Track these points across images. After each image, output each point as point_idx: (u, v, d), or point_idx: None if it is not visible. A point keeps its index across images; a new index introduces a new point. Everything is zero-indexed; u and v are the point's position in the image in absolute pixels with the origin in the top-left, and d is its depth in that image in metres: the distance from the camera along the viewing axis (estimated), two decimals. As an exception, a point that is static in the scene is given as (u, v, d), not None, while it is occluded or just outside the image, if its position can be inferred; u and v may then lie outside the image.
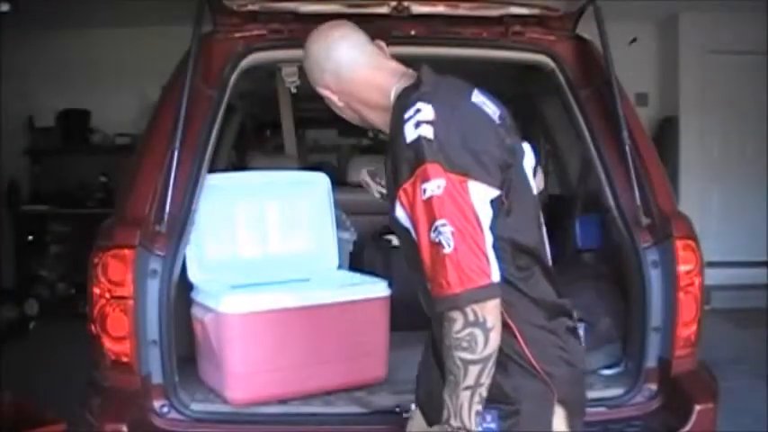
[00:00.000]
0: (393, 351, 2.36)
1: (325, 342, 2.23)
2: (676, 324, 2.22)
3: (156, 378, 2.12)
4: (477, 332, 1.41)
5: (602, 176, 2.42)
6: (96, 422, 2.09)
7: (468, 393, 1.42)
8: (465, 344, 1.41)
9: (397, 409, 2.05)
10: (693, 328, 2.25)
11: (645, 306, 2.24)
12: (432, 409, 1.63)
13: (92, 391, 2.20)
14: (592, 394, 2.26)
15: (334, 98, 1.65)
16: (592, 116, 2.49)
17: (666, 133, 6.80)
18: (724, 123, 6.90)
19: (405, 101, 1.53)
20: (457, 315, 1.41)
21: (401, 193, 1.46)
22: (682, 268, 2.22)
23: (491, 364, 1.43)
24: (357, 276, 2.55)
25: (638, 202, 2.30)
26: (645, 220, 2.29)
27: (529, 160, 1.69)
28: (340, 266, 2.66)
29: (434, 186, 1.41)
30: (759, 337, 5.05)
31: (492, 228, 1.47)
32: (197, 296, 2.30)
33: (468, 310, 1.40)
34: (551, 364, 1.56)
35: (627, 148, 2.34)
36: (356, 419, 2.12)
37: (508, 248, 1.52)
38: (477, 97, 1.59)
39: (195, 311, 2.29)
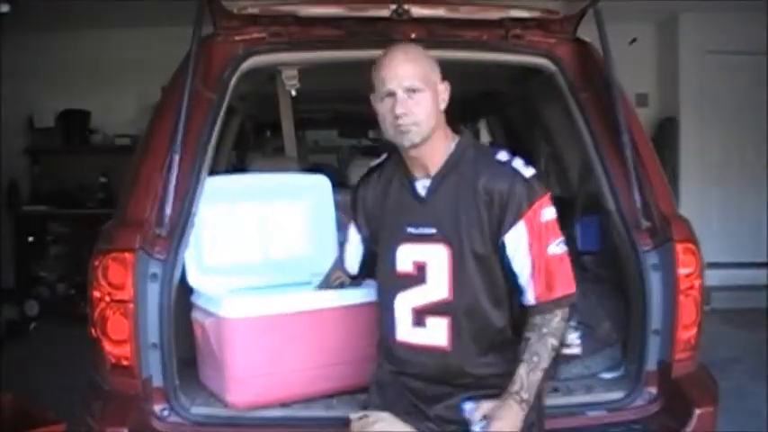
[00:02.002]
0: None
1: (327, 345, 2.23)
2: (676, 327, 2.21)
3: (157, 381, 2.12)
4: (564, 326, 1.84)
5: (603, 179, 2.42)
6: (97, 425, 2.09)
7: (541, 374, 1.78)
8: (559, 333, 1.82)
9: None
10: (694, 331, 2.25)
11: (645, 309, 2.24)
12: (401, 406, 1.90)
13: (92, 394, 2.20)
14: (592, 398, 2.28)
15: (428, 96, 1.84)
16: (592, 119, 2.48)
17: (666, 133, 6.80)
18: (724, 123, 6.89)
19: (484, 148, 2.00)
20: (558, 311, 1.82)
21: (527, 216, 1.80)
22: (682, 271, 2.22)
23: None
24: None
25: (639, 205, 2.30)
26: (645, 224, 2.28)
27: None
28: (341, 269, 2.65)
29: (552, 212, 1.84)
30: (759, 338, 5.05)
31: None
32: (197, 300, 2.30)
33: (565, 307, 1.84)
34: None
35: (627, 151, 2.34)
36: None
37: None
38: None
39: (196, 315, 2.29)
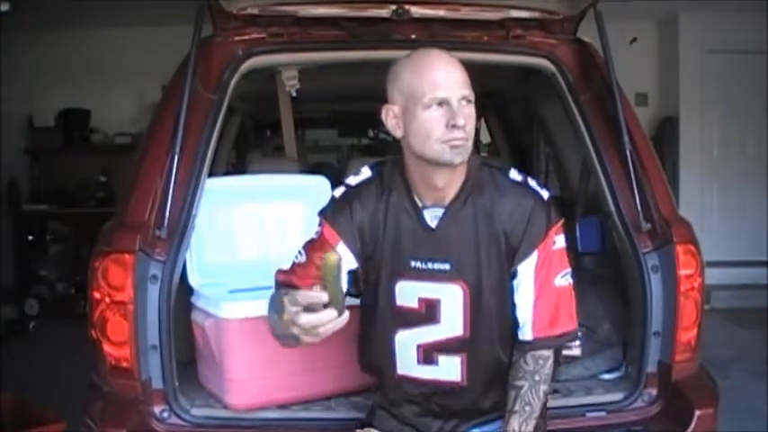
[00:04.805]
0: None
1: (325, 347, 2.21)
2: (677, 329, 2.21)
3: (157, 383, 2.11)
4: (555, 370, 1.71)
5: (603, 181, 2.41)
6: (97, 427, 2.09)
7: (535, 422, 1.65)
8: (550, 379, 1.68)
9: None
10: (694, 332, 2.24)
11: (645, 311, 2.23)
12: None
13: (92, 395, 2.19)
14: (592, 399, 2.27)
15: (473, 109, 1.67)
16: (592, 120, 2.48)
17: (666, 132, 6.81)
18: (724, 123, 6.91)
19: (494, 166, 1.73)
20: (549, 353, 1.67)
21: (545, 242, 1.66)
22: (682, 273, 2.21)
23: None
24: (356, 280, 2.54)
25: (639, 206, 2.30)
26: (645, 225, 2.27)
27: None
28: (339, 270, 2.65)
29: (563, 240, 1.69)
30: (759, 337, 5.05)
31: None
32: (197, 301, 2.30)
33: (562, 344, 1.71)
34: None
35: (627, 152, 2.33)
36: (356, 424, 2.12)
37: None
38: None
39: (195, 316, 2.29)
